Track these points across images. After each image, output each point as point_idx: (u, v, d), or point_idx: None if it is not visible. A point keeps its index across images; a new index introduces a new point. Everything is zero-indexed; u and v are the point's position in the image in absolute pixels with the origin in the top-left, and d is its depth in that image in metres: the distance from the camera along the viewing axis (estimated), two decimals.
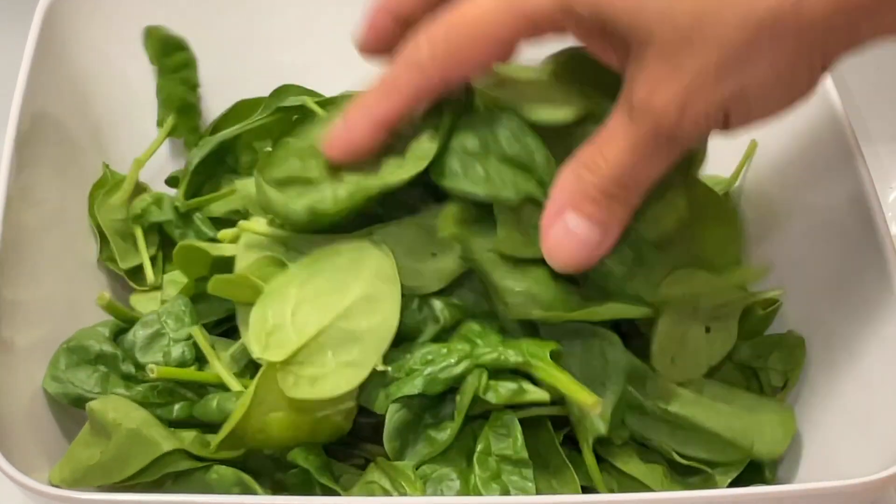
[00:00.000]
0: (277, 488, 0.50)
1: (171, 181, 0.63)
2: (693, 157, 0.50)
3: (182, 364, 0.52)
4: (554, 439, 0.50)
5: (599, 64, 0.47)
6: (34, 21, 0.58)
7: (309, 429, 0.49)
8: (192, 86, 0.64)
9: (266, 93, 0.62)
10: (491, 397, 0.48)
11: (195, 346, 0.52)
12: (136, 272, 0.60)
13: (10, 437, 0.48)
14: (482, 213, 0.48)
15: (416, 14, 0.46)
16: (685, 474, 0.52)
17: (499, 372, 0.48)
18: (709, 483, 0.52)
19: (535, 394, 0.48)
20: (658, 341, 0.51)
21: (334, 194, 0.48)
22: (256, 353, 0.48)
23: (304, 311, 0.48)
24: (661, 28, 0.41)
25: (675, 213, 0.48)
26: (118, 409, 0.50)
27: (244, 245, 0.51)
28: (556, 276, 0.48)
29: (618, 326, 0.51)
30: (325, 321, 0.48)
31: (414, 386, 0.48)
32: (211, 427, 0.50)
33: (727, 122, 0.43)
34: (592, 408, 0.46)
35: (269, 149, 0.58)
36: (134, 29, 0.63)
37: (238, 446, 0.49)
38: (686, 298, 0.51)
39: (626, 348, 0.50)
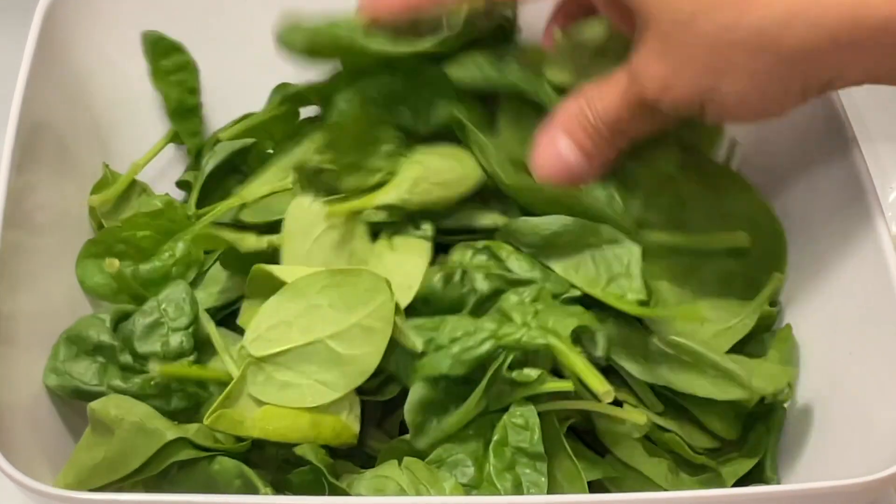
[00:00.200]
0: (282, 486, 0.50)
1: (183, 184, 0.63)
2: (706, 132, 0.57)
3: (180, 354, 0.52)
4: (558, 431, 0.50)
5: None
6: (34, 21, 0.58)
7: (308, 423, 0.49)
8: (191, 89, 0.64)
9: (266, 93, 0.62)
10: (515, 375, 0.49)
11: (193, 335, 0.52)
12: None
13: (11, 437, 0.48)
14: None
15: None
16: (691, 471, 0.52)
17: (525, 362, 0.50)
18: (714, 480, 0.52)
19: (558, 383, 0.49)
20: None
21: None
22: (247, 340, 0.50)
23: (309, 317, 0.49)
24: (661, 14, 0.46)
25: (664, 165, 0.54)
26: (119, 405, 0.50)
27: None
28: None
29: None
30: (320, 334, 0.49)
31: (439, 367, 0.49)
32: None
33: (703, 113, 0.47)
34: (604, 396, 0.48)
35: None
36: (134, 29, 0.63)
37: (237, 430, 0.49)
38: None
39: None
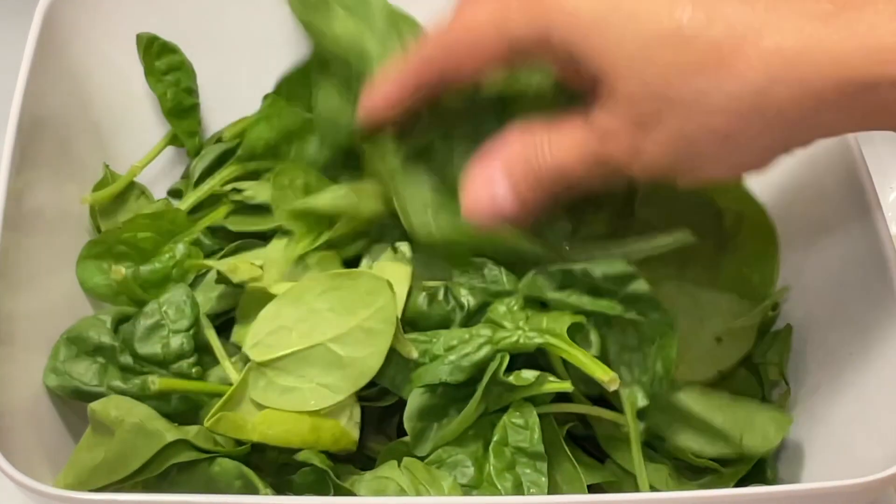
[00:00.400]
0: (281, 490, 0.50)
1: (174, 193, 0.63)
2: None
3: (181, 356, 0.52)
4: (558, 433, 0.50)
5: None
6: (34, 21, 0.58)
7: (308, 428, 0.49)
8: (187, 89, 0.64)
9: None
10: (512, 379, 0.49)
11: (194, 337, 0.52)
12: None
13: (11, 437, 0.48)
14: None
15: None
16: (691, 476, 0.52)
17: (524, 362, 0.50)
18: (716, 482, 0.52)
19: (557, 384, 0.49)
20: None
21: None
22: (247, 346, 0.49)
23: (309, 322, 0.49)
24: (629, 84, 0.42)
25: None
26: (120, 406, 0.50)
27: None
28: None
29: None
30: (321, 338, 0.49)
31: (437, 374, 0.49)
32: None
33: (674, 175, 0.44)
34: (609, 384, 0.48)
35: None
36: (134, 29, 0.63)
37: (237, 433, 0.49)
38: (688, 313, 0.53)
39: None
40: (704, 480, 0.52)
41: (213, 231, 0.59)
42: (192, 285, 0.56)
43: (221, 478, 0.48)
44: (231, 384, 0.50)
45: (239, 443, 0.50)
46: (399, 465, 0.49)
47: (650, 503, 0.46)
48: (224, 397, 0.49)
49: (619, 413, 0.51)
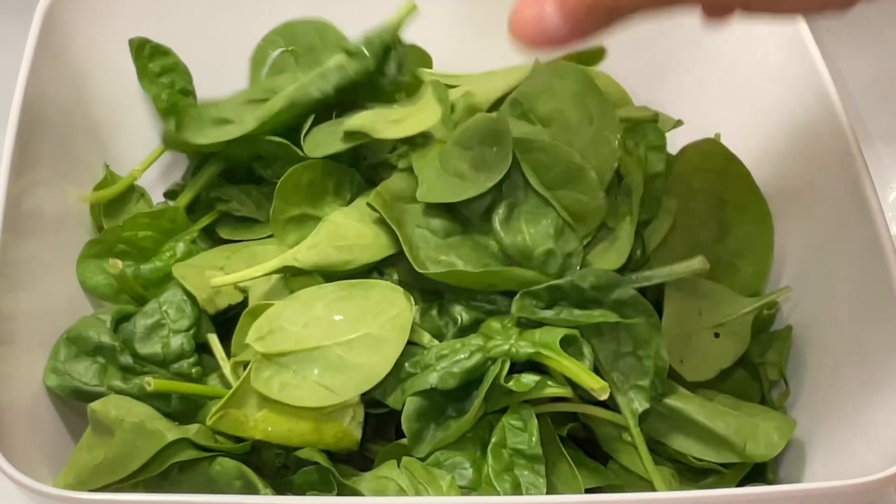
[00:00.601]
0: (283, 488, 0.50)
1: (170, 194, 0.63)
2: None
3: (181, 356, 0.52)
4: (555, 435, 0.50)
5: None
6: (34, 21, 0.58)
7: (310, 428, 0.49)
8: (182, 90, 0.64)
9: None
10: (512, 385, 0.49)
11: (194, 337, 0.52)
12: None
13: (11, 437, 0.48)
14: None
15: None
16: (692, 477, 0.52)
17: (523, 367, 0.49)
18: (718, 483, 0.52)
19: (556, 388, 0.49)
20: (665, 343, 0.51)
21: None
22: (250, 338, 0.49)
23: (316, 326, 0.50)
24: None
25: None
26: (120, 406, 0.50)
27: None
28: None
29: None
30: (327, 341, 0.49)
31: (428, 381, 0.49)
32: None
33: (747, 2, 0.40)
34: (599, 392, 0.48)
35: None
36: (133, 30, 0.63)
37: (239, 431, 0.49)
38: (687, 304, 0.53)
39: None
40: (707, 481, 0.52)
41: (208, 232, 0.59)
42: None
43: (221, 478, 0.48)
44: (230, 386, 0.50)
45: (239, 441, 0.50)
46: (398, 466, 0.49)
47: (650, 503, 0.46)
48: (228, 393, 0.49)
49: (618, 413, 0.51)
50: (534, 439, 0.49)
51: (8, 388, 0.50)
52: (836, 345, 0.54)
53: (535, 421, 0.49)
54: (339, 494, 0.48)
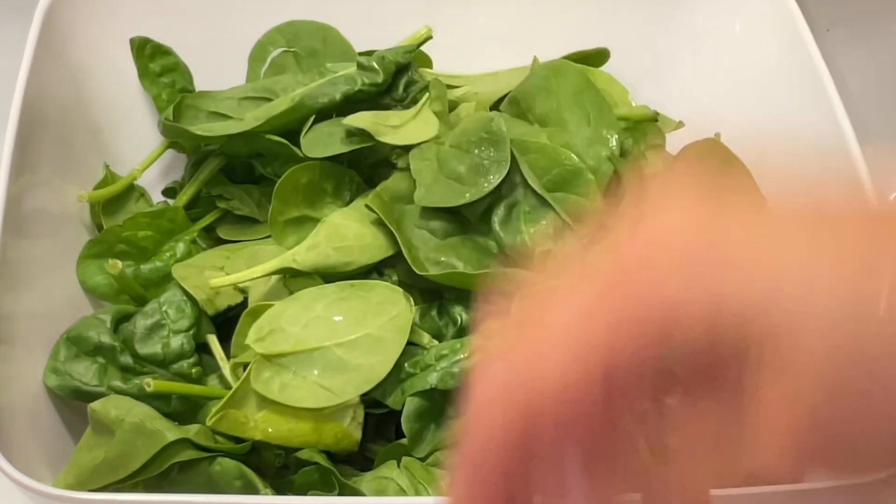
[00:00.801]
0: (283, 488, 0.50)
1: (168, 192, 0.63)
2: None
3: (181, 356, 0.52)
4: None
5: None
6: (34, 21, 0.58)
7: (310, 428, 0.49)
8: (183, 90, 0.64)
9: None
10: None
11: (194, 337, 0.53)
12: None
13: (11, 437, 0.48)
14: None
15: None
16: None
17: None
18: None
19: None
20: None
21: None
22: (250, 339, 0.49)
23: (316, 326, 0.50)
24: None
25: None
26: (120, 406, 0.50)
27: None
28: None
29: None
30: (327, 342, 0.49)
31: (428, 381, 0.49)
32: None
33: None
34: None
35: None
36: (133, 29, 0.63)
37: (239, 431, 0.49)
38: None
39: None
40: None
41: (208, 231, 0.59)
42: None
43: (221, 478, 0.48)
44: (230, 387, 0.50)
45: (239, 442, 0.50)
46: (398, 466, 0.49)
47: None
48: (228, 394, 0.49)
49: None
50: None
51: (8, 388, 0.50)
52: None
53: None
54: (340, 494, 0.48)
